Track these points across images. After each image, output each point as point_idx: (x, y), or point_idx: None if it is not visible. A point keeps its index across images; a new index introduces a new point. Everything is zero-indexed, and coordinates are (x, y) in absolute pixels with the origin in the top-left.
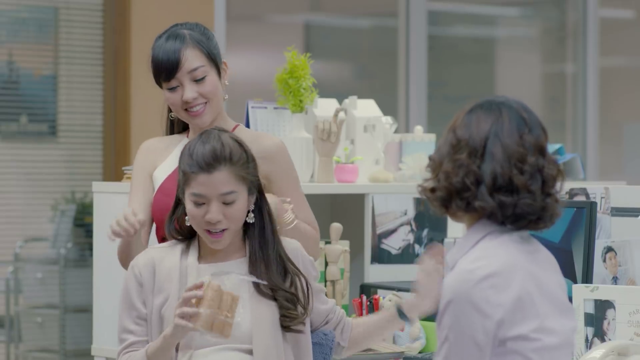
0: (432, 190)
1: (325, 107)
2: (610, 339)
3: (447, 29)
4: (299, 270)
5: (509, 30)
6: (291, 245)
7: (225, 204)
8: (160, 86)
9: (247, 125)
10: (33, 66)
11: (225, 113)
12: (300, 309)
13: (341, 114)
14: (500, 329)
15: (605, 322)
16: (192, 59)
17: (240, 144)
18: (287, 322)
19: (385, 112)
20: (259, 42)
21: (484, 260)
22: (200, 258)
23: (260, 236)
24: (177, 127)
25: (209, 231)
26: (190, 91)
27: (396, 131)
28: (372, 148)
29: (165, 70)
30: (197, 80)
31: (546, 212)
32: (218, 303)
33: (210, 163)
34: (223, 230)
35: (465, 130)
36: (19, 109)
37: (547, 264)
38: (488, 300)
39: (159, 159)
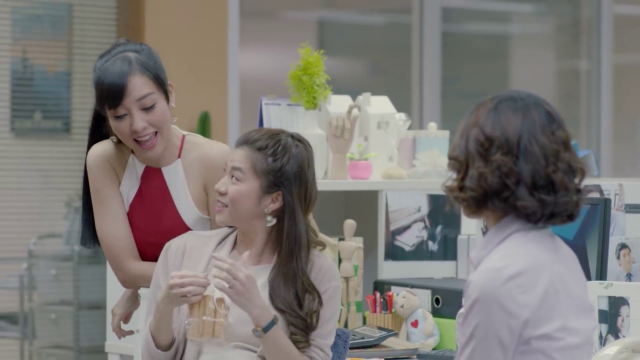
0: (461, 189)
1: (338, 104)
2: (624, 336)
3: (461, 25)
4: (317, 292)
5: (523, 27)
6: (320, 266)
7: (144, 109)
8: (104, 113)
9: (261, 122)
10: (47, 63)
11: (171, 128)
12: (306, 335)
13: (355, 111)
14: (525, 328)
15: (619, 319)
16: (140, 86)
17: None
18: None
19: (399, 109)
20: (272, 39)
21: (510, 259)
22: (231, 253)
23: (286, 250)
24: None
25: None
26: (139, 120)
27: (410, 128)
28: (385, 145)
29: (110, 97)
30: (146, 109)
31: (578, 207)
32: (203, 310)
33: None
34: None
35: (495, 128)
36: (33, 105)
37: (570, 262)
38: (515, 300)
39: (118, 170)
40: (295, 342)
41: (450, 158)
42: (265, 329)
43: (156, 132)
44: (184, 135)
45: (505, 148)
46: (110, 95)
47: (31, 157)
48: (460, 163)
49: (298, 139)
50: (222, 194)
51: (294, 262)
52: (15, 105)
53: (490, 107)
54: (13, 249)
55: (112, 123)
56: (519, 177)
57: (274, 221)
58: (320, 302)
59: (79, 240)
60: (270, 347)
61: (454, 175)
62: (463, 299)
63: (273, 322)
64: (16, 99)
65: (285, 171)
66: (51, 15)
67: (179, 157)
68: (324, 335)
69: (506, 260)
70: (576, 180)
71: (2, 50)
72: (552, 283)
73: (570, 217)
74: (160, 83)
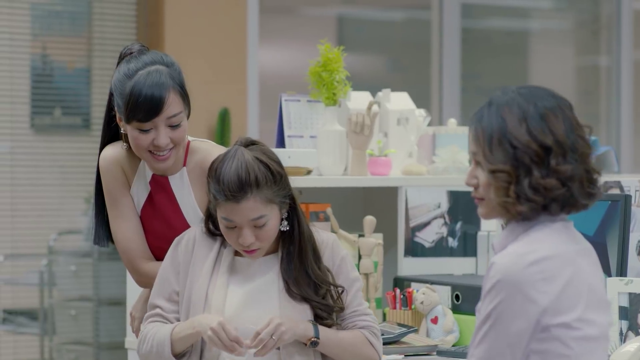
0: (518, 200)
1: (358, 100)
2: None
3: (481, 21)
4: (332, 281)
5: (543, 23)
6: (325, 242)
7: (257, 227)
8: (127, 122)
9: (280, 119)
10: (67, 59)
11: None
12: (334, 316)
13: (374, 107)
14: (544, 315)
15: None
16: (174, 104)
17: (265, 164)
18: None
19: (419, 105)
20: (292, 35)
21: (535, 245)
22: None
23: (293, 244)
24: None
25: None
26: (164, 137)
27: (429, 124)
28: (405, 141)
29: (145, 112)
30: (172, 126)
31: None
32: None
33: (236, 194)
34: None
35: (547, 134)
36: (53, 102)
37: (590, 257)
38: (535, 286)
39: (129, 173)
40: (328, 327)
41: (497, 171)
42: (317, 335)
43: (172, 148)
44: (189, 142)
45: (562, 152)
46: (145, 109)
47: (51, 154)
48: (510, 175)
49: (250, 142)
50: (252, 243)
51: (306, 255)
52: (35, 102)
53: (526, 109)
54: (33, 245)
55: (132, 134)
56: (579, 178)
57: (286, 222)
58: (343, 289)
59: (93, 240)
60: (329, 346)
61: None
62: (484, 280)
63: (316, 326)
64: (36, 95)
65: (283, 178)
66: (71, 11)
67: (184, 164)
68: (358, 303)
69: (532, 245)
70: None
71: (22, 46)
72: (574, 273)
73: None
74: (187, 102)
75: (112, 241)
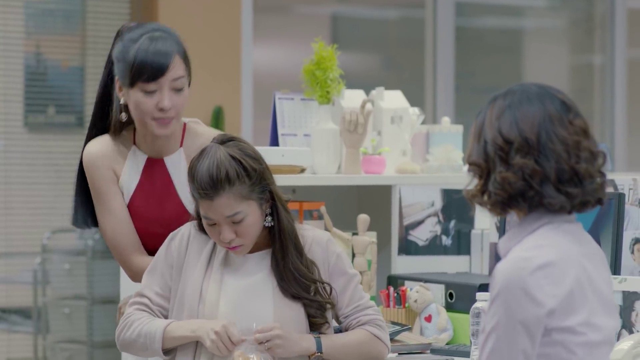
0: (483, 193)
1: (352, 99)
2: (638, 331)
3: (475, 20)
4: (318, 277)
5: (537, 22)
6: (319, 240)
7: (235, 222)
8: (131, 85)
9: (274, 117)
10: (60, 57)
11: None
12: (327, 314)
13: (368, 105)
14: (549, 318)
15: (634, 314)
16: (178, 66)
17: (238, 160)
18: (315, 328)
19: (413, 103)
20: (286, 33)
21: (539, 250)
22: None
23: (279, 243)
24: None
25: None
26: (168, 99)
27: (423, 122)
28: (399, 139)
29: (151, 71)
30: (176, 90)
31: (604, 190)
32: None
33: (208, 192)
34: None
35: (512, 129)
36: (47, 100)
37: (597, 259)
38: (542, 289)
39: (116, 166)
40: (318, 325)
41: (471, 164)
42: (319, 349)
43: (173, 117)
44: (185, 123)
45: (525, 149)
46: (153, 68)
47: (44, 152)
48: (481, 169)
49: (227, 139)
50: (232, 240)
51: (287, 251)
52: (29, 100)
53: (503, 106)
54: (26, 244)
55: (135, 98)
56: (543, 176)
57: (270, 218)
58: (331, 287)
59: (71, 221)
60: (334, 355)
61: (475, 180)
62: (490, 287)
63: (319, 339)
64: (30, 93)
65: (259, 173)
66: (64, 9)
67: (181, 145)
68: (359, 297)
69: (536, 250)
70: (598, 164)
71: (16, 45)
72: (579, 277)
73: (599, 202)
74: (189, 69)
75: (94, 224)
